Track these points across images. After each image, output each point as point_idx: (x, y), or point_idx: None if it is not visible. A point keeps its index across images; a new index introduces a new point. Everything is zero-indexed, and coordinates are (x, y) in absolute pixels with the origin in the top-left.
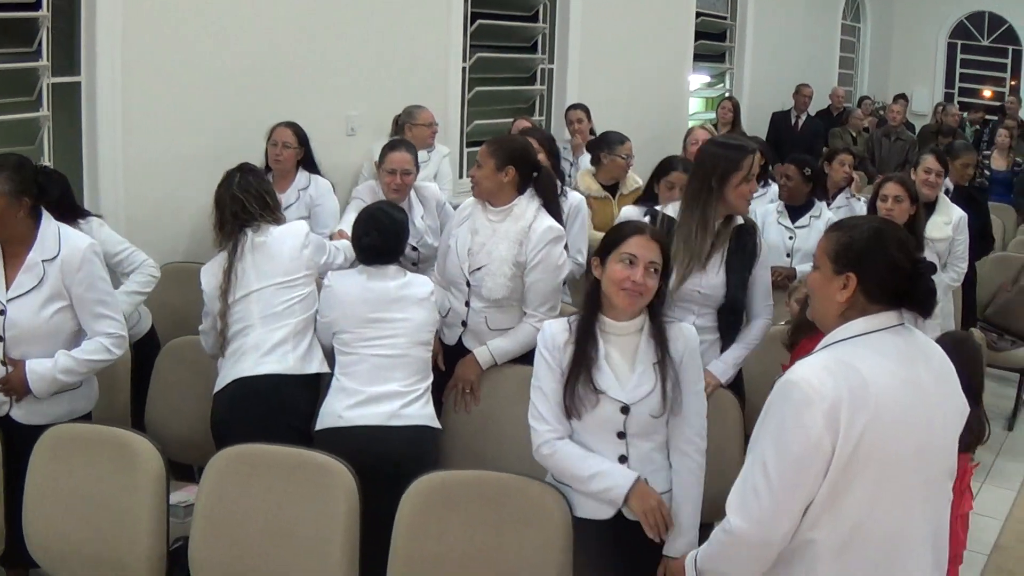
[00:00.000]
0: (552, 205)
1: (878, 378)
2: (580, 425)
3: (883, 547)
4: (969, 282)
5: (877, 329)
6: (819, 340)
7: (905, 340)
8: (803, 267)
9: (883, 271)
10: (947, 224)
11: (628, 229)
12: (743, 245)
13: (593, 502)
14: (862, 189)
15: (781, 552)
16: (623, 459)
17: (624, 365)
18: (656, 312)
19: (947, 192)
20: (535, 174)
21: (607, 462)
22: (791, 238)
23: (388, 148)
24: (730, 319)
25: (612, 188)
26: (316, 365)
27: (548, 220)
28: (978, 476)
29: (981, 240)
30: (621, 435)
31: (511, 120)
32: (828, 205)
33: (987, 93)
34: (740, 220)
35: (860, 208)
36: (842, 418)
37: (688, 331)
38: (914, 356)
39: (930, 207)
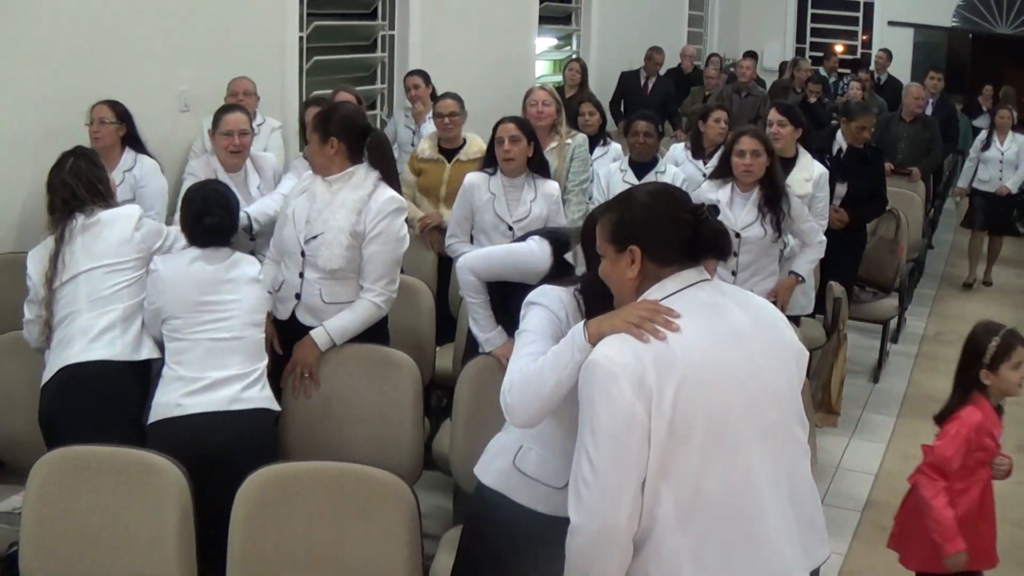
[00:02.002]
0: (391, 177)
1: (685, 338)
2: None
3: (729, 507)
4: (858, 243)
5: (677, 290)
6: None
7: (710, 293)
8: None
9: (663, 232)
10: (807, 180)
11: None
12: None
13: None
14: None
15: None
16: None
17: None
18: None
19: (839, 152)
20: (366, 139)
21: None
22: None
23: (221, 111)
24: None
25: (454, 152)
26: (147, 351)
27: (388, 191)
28: (845, 430)
29: (875, 201)
30: None
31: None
32: (705, 163)
33: (839, 48)
34: None
35: None
36: (651, 385)
37: None
38: (725, 306)
39: (791, 162)
